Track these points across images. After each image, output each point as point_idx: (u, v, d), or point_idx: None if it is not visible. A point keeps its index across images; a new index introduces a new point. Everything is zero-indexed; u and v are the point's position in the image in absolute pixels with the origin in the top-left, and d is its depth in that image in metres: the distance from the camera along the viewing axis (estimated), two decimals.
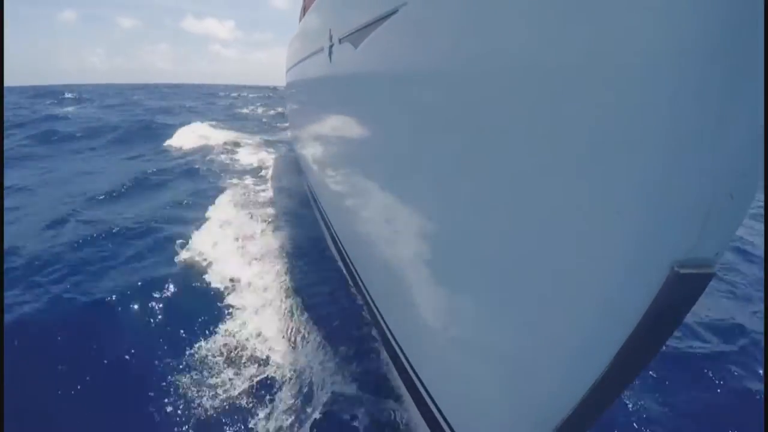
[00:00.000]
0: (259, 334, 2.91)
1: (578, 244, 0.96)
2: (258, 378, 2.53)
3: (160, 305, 3.21)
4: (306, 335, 2.90)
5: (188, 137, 11.17)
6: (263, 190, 6.36)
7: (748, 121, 0.74)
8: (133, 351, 2.72)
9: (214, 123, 14.46)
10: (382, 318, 2.59)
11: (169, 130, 11.89)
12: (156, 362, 2.65)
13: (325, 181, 3.93)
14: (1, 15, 2.39)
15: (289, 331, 2.96)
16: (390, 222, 2.18)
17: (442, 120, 1.68)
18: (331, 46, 3.02)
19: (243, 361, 2.66)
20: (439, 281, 1.69)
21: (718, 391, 2.62)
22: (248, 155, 9.37)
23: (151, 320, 3.06)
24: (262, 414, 2.31)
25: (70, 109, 21.04)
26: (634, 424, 2.30)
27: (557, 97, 1.02)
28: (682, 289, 0.84)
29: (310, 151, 4.80)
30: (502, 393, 1.31)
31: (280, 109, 21.39)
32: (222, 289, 3.42)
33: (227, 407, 2.33)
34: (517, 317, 1.19)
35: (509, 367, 1.26)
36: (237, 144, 10.74)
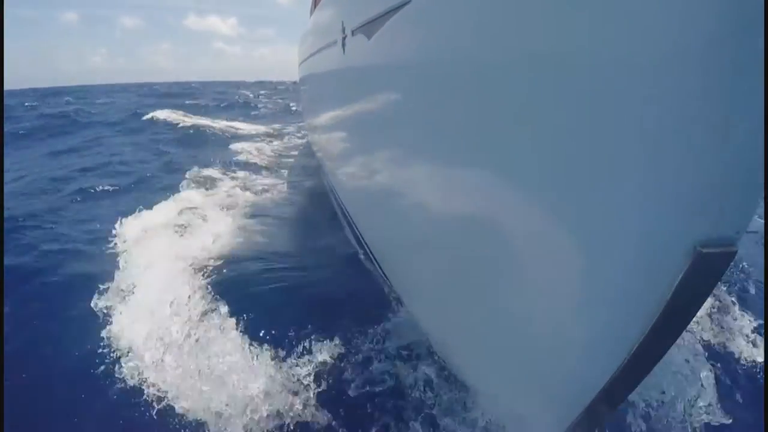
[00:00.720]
0: None
1: (605, 230, 0.99)
2: None
3: None
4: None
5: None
6: None
7: (757, 110, 0.77)
8: None
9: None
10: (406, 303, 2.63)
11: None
12: None
13: (341, 171, 3.96)
14: (1, 15, 2.43)
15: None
16: (411, 212, 2.20)
17: (456, 111, 1.69)
18: (344, 38, 3.03)
19: None
20: (465, 263, 1.71)
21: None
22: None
23: None
24: None
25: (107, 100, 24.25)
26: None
27: (580, 88, 1.04)
28: (706, 268, 0.87)
29: (326, 142, 4.82)
30: (532, 371, 1.33)
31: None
32: None
33: None
34: (548, 298, 1.21)
35: (538, 346, 1.28)
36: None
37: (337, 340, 2.54)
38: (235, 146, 9.86)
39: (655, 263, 0.91)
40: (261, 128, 13.21)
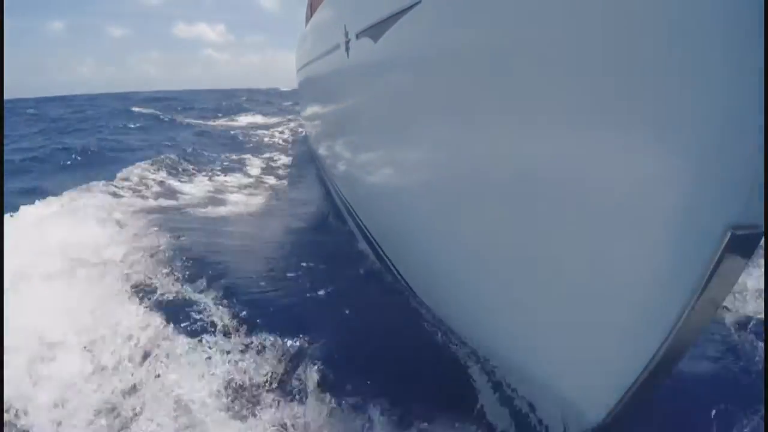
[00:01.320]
0: None
1: (640, 217, 1.04)
2: None
3: None
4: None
5: None
6: None
7: None
8: None
9: None
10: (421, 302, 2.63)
11: None
12: None
13: (349, 173, 3.96)
14: (1, 15, 2.43)
15: None
16: (427, 213, 2.21)
17: (471, 110, 1.72)
18: (347, 42, 3.06)
19: None
20: (498, 251, 1.70)
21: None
22: None
23: None
24: None
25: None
26: None
27: (595, 87, 1.09)
28: (739, 248, 0.92)
29: (333, 149, 4.76)
30: (577, 350, 1.36)
31: None
32: None
33: None
34: (587, 280, 1.24)
35: (580, 327, 1.32)
36: None
37: None
38: None
39: (689, 246, 0.95)
40: None
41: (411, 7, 2.00)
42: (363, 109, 3.12)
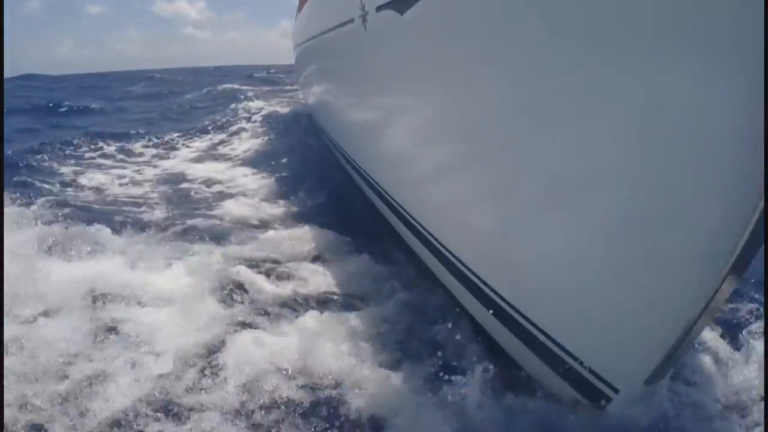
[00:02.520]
0: None
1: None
2: None
3: None
4: None
5: None
6: None
7: None
8: None
9: None
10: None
11: None
12: None
13: (356, 137, 3.94)
14: (1, 15, 2.35)
15: None
16: (478, 199, 2.15)
17: (518, 86, 1.65)
18: (364, 15, 2.94)
19: None
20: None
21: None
22: None
23: None
24: None
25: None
26: None
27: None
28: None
29: (347, 128, 4.58)
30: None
31: None
32: None
33: None
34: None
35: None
36: None
37: None
38: None
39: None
40: None
41: None
42: (384, 81, 3.03)
